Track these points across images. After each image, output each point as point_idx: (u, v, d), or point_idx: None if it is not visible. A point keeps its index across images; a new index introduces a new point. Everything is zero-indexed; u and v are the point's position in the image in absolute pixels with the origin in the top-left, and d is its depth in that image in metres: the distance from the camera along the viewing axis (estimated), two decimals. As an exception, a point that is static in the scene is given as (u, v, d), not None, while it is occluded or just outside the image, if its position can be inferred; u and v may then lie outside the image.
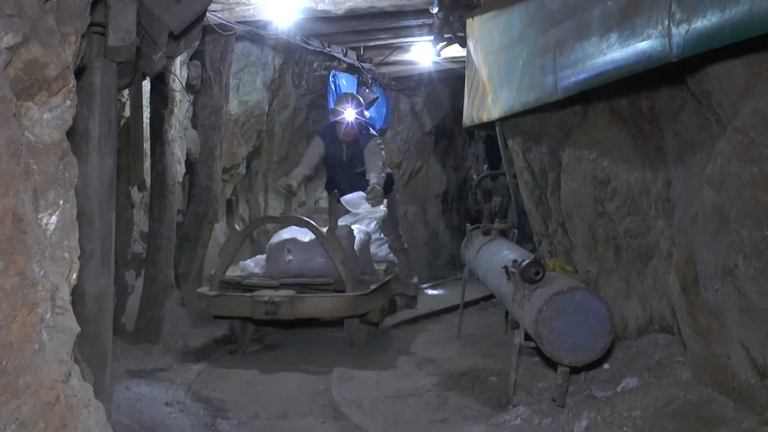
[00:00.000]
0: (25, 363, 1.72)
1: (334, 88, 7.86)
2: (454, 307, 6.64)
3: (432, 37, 6.85)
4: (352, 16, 5.95)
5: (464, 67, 5.89)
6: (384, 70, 9.14)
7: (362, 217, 6.39)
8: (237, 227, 5.86)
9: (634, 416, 3.26)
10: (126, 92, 4.82)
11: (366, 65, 8.31)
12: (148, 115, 5.57)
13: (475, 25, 5.43)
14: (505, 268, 4.32)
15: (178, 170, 5.90)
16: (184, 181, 6.30)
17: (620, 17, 2.99)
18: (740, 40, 2.34)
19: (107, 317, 3.27)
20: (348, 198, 6.44)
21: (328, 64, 8.02)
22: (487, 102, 5.09)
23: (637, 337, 4.11)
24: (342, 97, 6.95)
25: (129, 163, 4.90)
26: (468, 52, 5.66)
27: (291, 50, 7.33)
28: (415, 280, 7.54)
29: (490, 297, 6.83)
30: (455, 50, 7.02)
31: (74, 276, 2.10)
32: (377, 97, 8.64)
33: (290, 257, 5.60)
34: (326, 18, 6.05)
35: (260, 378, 4.94)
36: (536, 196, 5.39)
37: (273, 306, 5.24)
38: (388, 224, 6.89)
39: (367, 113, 7.41)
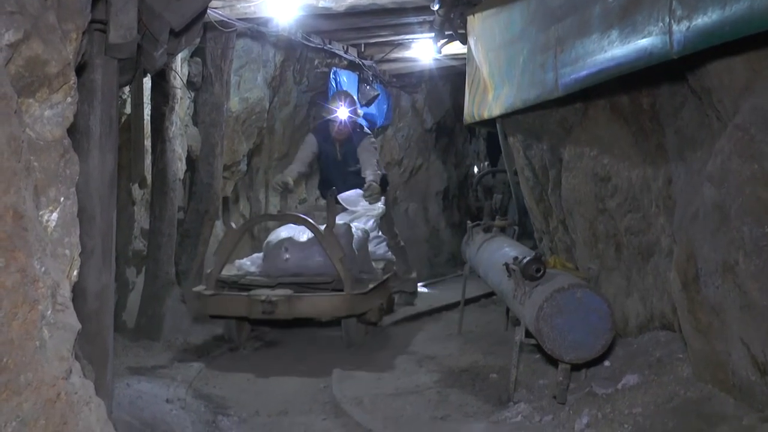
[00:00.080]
0: (26, 360, 1.72)
1: (335, 85, 7.83)
2: (455, 305, 6.63)
3: (433, 34, 6.85)
4: (353, 13, 5.94)
5: (465, 65, 5.89)
6: (385, 67, 9.12)
7: (360, 215, 6.36)
8: (233, 225, 5.82)
9: (634, 413, 3.26)
10: (127, 89, 4.82)
11: (367, 62, 8.29)
12: (149, 112, 5.57)
13: (475, 22, 5.43)
14: (506, 265, 4.32)
15: (179, 167, 5.89)
16: (185, 178, 6.30)
17: (621, 14, 2.99)
18: (741, 37, 2.34)
19: (108, 314, 3.27)
20: (345, 196, 6.41)
21: (329, 61, 8.00)
22: (488, 99, 5.09)
23: (638, 335, 4.10)
24: (335, 95, 6.93)
25: (130, 160, 4.90)
26: (469, 49, 5.65)
27: (292, 47, 7.32)
28: (414, 275, 7.53)
29: (491, 294, 6.83)
30: (456, 47, 7.01)
31: (75, 273, 2.10)
32: (378, 94, 8.63)
33: (287, 256, 5.54)
34: (327, 15, 6.04)
35: (261, 375, 4.94)
36: (537, 193, 5.39)
37: (270, 305, 5.17)
38: (384, 224, 6.86)
39: (360, 111, 7.38)
